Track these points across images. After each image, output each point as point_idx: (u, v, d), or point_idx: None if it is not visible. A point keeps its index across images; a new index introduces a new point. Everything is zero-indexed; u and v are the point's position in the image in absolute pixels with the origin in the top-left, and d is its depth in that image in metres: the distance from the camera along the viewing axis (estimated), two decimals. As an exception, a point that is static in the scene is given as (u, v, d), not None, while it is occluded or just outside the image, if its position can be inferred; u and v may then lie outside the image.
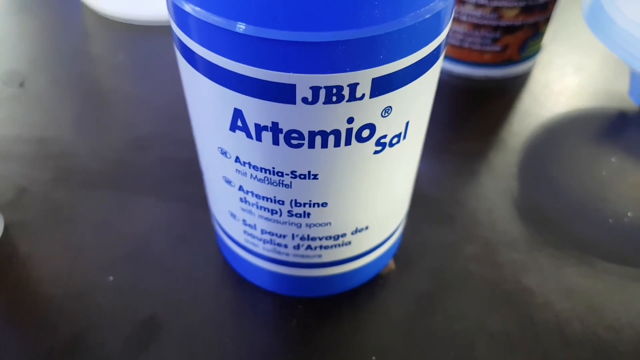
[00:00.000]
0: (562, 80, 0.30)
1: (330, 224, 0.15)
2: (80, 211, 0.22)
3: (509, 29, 0.26)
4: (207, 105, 0.13)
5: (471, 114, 0.27)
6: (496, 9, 0.26)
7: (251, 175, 0.14)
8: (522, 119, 0.27)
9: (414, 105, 0.13)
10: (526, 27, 0.27)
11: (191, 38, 0.12)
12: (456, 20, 0.27)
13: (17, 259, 0.20)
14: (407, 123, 0.13)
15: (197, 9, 0.11)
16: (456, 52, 0.28)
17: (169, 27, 0.33)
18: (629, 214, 0.22)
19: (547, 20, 0.27)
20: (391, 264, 0.20)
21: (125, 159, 0.24)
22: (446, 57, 0.29)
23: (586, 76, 0.30)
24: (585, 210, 0.22)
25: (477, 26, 0.26)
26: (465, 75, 0.29)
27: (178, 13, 0.12)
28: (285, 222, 0.15)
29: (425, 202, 0.22)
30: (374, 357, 0.17)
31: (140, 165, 0.24)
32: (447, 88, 0.29)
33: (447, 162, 0.24)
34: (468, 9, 0.26)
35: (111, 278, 0.19)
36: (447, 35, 0.13)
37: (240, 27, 0.11)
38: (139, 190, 0.23)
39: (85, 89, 0.28)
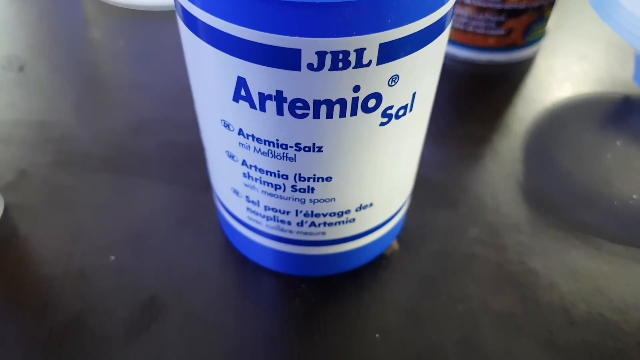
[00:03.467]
0: (567, 66, 0.29)
1: (334, 199, 0.15)
2: (80, 194, 0.22)
3: (513, 13, 0.26)
4: (210, 75, 0.13)
5: (475, 98, 0.27)
6: (501, -8, 0.25)
7: (254, 148, 0.14)
8: (526, 104, 0.27)
9: (421, 76, 0.13)
10: (530, 11, 0.26)
11: (193, 3, 0.11)
12: (460, 3, 0.26)
13: (17, 239, 0.20)
14: (414, 95, 0.13)
15: (201, -29, 0.11)
16: (460, 36, 0.28)
17: (169, 12, 0.33)
18: (634, 197, 0.22)
19: (551, 5, 0.27)
20: (395, 244, 0.20)
21: (126, 143, 0.24)
22: (450, 41, 0.29)
23: (591, 62, 0.30)
24: (590, 193, 0.22)
25: (481, 9, 0.26)
26: (469, 60, 0.29)
27: (181, -22, 0.11)
28: (289, 198, 0.15)
29: (430, 186, 0.22)
30: (377, 336, 0.17)
31: (141, 149, 0.24)
32: (451, 72, 0.28)
33: (451, 147, 0.24)
34: (472, -8, 0.26)
35: (112, 257, 0.19)
36: (453, 9, 0.13)
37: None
38: (139, 173, 0.22)
39: (85, 74, 0.28)
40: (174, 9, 0.33)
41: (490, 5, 0.26)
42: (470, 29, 0.27)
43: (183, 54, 0.29)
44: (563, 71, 0.29)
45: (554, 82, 0.28)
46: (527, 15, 0.27)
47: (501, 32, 0.27)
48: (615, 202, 0.22)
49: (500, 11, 0.26)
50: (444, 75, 0.28)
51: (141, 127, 0.25)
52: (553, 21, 0.32)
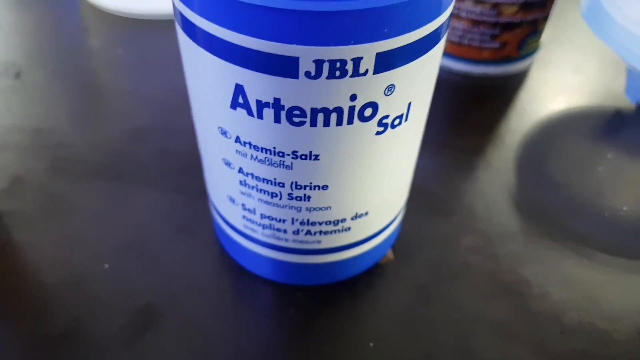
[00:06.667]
0: (560, 78, 0.30)
1: (330, 208, 0.15)
2: (76, 201, 0.22)
3: (508, 26, 0.27)
4: (208, 82, 0.13)
5: (470, 110, 0.27)
6: (495, 6, 0.26)
7: (251, 156, 0.14)
8: (520, 116, 0.27)
9: (416, 86, 0.13)
10: (525, 25, 0.27)
11: (192, 10, 0.12)
12: (455, 16, 0.27)
13: (12, 246, 0.20)
14: (410, 104, 0.13)
15: (201, -20, 0.11)
16: (455, 49, 0.28)
17: (166, 21, 0.33)
18: (624, 208, 0.22)
19: (545, 18, 0.27)
20: (390, 254, 0.20)
21: (123, 150, 0.24)
22: (445, 54, 0.29)
23: (584, 75, 0.30)
24: (581, 204, 0.22)
25: (476, 22, 0.27)
26: (464, 73, 0.29)
27: (181, -14, 0.12)
28: (285, 206, 0.15)
29: (424, 196, 0.22)
30: (371, 344, 0.17)
31: (138, 156, 0.24)
32: (446, 85, 0.29)
33: (445, 158, 0.24)
34: (467, 5, 0.26)
35: (107, 266, 0.19)
36: (448, 20, 0.13)
37: (245, -3, 0.10)
38: (135, 181, 0.22)
39: (82, 81, 0.28)
40: (172, 17, 0.33)
41: (485, 18, 0.26)
42: (466, 41, 0.28)
43: (180, 62, 0.29)
44: (557, 84, 0.29)
45: (547, 95, 0.28)
46: (521, 28, 0.27)
47: (496, 45, 0.27)
48: (606, 214, 0.22)
49: (494, 24, 0.26)
50: (440, 87, 0.28)
51: (138, 134, 0.25)
52: (547, 34, 0.32)
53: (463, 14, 0.27)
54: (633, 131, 0.26)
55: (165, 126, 0.25)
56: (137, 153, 0.24)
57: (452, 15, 0.26)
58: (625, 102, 0.28)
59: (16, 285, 0.18)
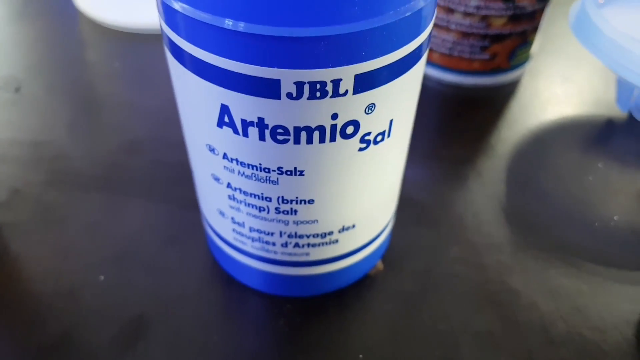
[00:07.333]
0: (551, 88, 0.30)
1: (317, 221, 0.16)
2: (71, 212, 0.22)
3: (498, 38, 0.27)
4: (195, 102, 0.13)
5: (460, 121, 0.28)
6: (484, 18, 0.26)
7: (239, 171, 0.14)
8: (510, 126, 0.27)
9: (397, 104, 0.13)
10: (514, 36, 0.27)
11: (179, 35, 0.12)
12: (445, 28, 0.27)
13: (8, 257, 0.20)
14: (391, 121, 0.14)
15: (185, 6, 0.11)
16: (445, 60, 0.29)
17: (161, 36, 0.34)
18: (615, 218, 0.22)
19: (535, 29, 0.28)
20: (379, 264, 0.20)
21: (117, 162, 0.24)
22: (436, 65, 0.29)
23: (574, 85, 0.30)
24: (571, 214, 0.23)
25: (465, 34, 0.27)
26: (454, 84, 0.30)
27: (167, 11, 0.12)
28: (273, 220, 0.15)
29: (414, 206, 0.23)
30: (361, 356, 0.17)
31: (132, 168, 0.24)
32: (437, 96, 0.29)
33: (435, 168, 0.25)
34: (457, 17, 0.26)
35: (102, 277, 0.19)
36: (428, 38, 0.13)
37: (227, 22, 0.11)
38: (130, 192, 0.23)
39: (79, 94, 0.29)
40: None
41: (474, 30, 0.27)
42: (456, 53, 0.28)
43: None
44: (547, 93, 0.30)
45: (537, 105, 0.29)
46: (511, 40, 0.27)
47: (486, 56, 0.28)
48: (596, 224, 0.22)
49: (484, 36, 0.27)
50: (430, 98, 0.29)
51: (132, 146, 0.25)
52: (537, 44, 0.33)
53: (452, 26, 0.27)
54: (624, 140, 0.27)
55: (158, 138, 0.26)
56: (132, 165, 0.24)
57: (441, 27, 0.27)
58: (617, 111, 0.28)
59: (12, 295, 0.19)
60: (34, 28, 0.34)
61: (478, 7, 0.26)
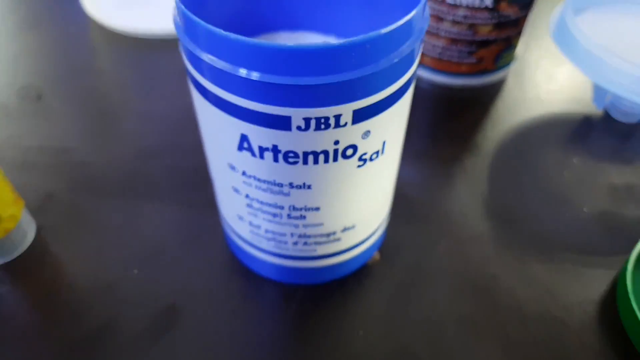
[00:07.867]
0: (534, 88, 0.32)
1: (322, 224, 0.18)
2: (101, 215, 0.25)
3: (484, 43, 0.29)
4: (218, 130, 0.16)
5: (449, 120, 0.30)
6: (471, 26, 0.28)
7: (256, 186, 0.17)
8: (495, 125, 0.30)
9: (389, 128, 0.16)
10: (499, 41, 0.30)
11: (205, 77, 0.14)
12: (435, 35, 0.30)
13: (50, 257, 0.23)
14: (384, 142, 0.16)
15: (212, 57, 0.14)
16: (436, 64, 0.31)
17: (173, 41, 0.36)
18: (584, 209, 0.25)
19: (518, 34, 0.30)
20: (376, 255, 0.23)
21: (136, 167, 0.27)
22: (427, 68, 0.32)
23: (555, 84, 0.33)
24: (547, 207, 0.25)
25: (454, 41, 0.29)
26: (444, 84, 0.32)
27: (193, 59, 0.14)
28: (285, 224, 0.18)
29: (406, 203, 0.25)
30: (360, 332, 0.20)
31: (151, 173, 0.27)
32: (428, 96, 0.32)
33: (425, 167, 0.27)
34: (446, 25, 0.29)
35: (135, 271, 0.22)
36: (414, 74, 0.16)
37: (247, 73, 0.13)
38: (150, 196, 0.25)
39: (96, 102, 0.31)
40: (177, 37, 0.36)
41: (462, 37, 0.29)
42: (445, 57, 0.30)
43: (186, 82, 0.32)
44: (530, 92, 0.32)
45: (521, 104, 0.31)
46: (496, 45, 0.30)
47: (473, 60, 0.30)
48: (567, 215, 0.25)
49: (471, 42, 0.29)
50: (422, 98, 0.31)
51: (149, 152, 0.28)
52: (522, 47, 0.35)
53: (442, 33, 0.29)
54: (599, 136, 0.29)
55: (173, 144, 0.28)
56: (150, 170, 0.27)
57: (431, 34, 0.29)
58: (593, 109, 0.31)
59: (56, 290, 0.22)
60: (46, 36, 0.36)
61: (465, 17, 0.28)
